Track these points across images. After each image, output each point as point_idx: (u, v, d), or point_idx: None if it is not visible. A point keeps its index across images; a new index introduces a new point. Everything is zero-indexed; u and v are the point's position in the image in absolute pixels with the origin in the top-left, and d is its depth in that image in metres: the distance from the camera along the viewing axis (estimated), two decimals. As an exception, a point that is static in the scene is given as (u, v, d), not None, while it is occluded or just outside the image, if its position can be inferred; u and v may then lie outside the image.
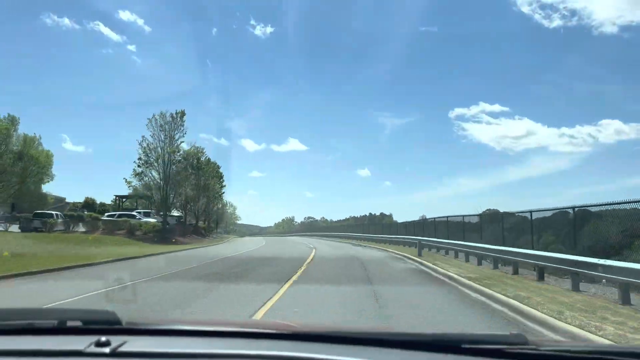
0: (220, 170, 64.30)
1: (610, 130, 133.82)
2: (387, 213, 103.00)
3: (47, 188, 50.58)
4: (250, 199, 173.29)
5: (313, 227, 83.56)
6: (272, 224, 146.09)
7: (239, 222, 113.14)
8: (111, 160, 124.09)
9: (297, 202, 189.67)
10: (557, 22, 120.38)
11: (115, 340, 1.30)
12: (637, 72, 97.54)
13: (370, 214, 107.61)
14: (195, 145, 50.67)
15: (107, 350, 1.25)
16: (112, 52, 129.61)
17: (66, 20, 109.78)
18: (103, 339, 1.29)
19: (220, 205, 71.83)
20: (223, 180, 65.68)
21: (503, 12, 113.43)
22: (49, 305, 8.15)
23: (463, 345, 1.31)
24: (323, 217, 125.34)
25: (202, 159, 52.74)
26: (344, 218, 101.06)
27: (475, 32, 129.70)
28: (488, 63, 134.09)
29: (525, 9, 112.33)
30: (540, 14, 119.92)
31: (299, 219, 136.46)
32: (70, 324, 1.47)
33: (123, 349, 1.27)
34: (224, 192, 70.41)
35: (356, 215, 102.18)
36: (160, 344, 1.34)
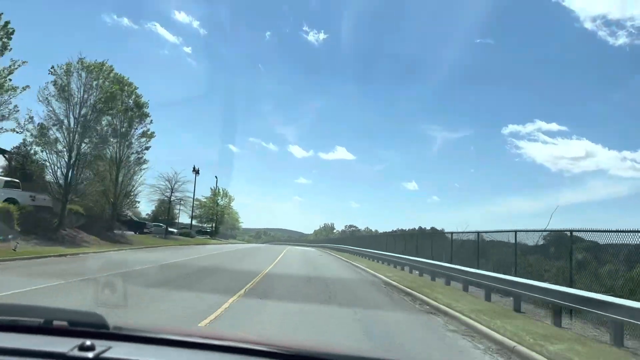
0: (135, 86, 31.93)
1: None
2: (439, 228, 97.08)
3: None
4: (295, 205, 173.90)
5: (353, 238, 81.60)
6: (312, 232, 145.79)
7: (242, 226, 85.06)
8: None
9: (342, 212, 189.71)
10: (623, 39, 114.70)
11: (100, 344, 1.27)
12: None
13: (420, 227, 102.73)
14: None
15: (90, 355, 1.22)
16: (167, 52, 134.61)
17: (125, 20, 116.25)
18: (88, 342, 1.26)
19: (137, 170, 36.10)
20: (143, 115, 33.12)
21: (565, 27, 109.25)
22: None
23: None
24: (367, 228, 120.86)
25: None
26: (390, 230, 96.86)
27: (533, 46, 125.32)
28: (546, 79, 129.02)
29: (589, 25, 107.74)
30: (605, 30, 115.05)
31: (340, 227, 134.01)
32: (56, 323, 1.46)
33: (107, 354, 1.24)
34: (147, 147, 35.24)
35: (404, 228, 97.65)
36: (145, 352, 1.31)
